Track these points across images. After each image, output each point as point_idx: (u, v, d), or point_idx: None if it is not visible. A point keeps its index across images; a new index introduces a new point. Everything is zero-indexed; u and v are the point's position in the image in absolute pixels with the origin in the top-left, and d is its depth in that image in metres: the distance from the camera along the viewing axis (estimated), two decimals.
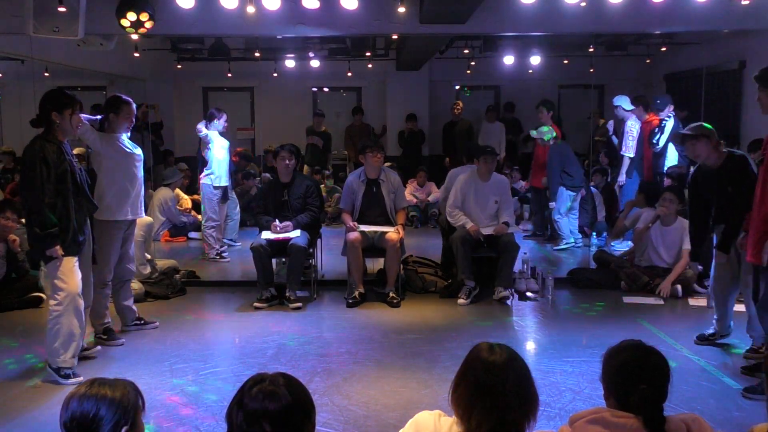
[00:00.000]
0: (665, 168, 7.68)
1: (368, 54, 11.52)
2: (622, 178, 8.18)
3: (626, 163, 8.12)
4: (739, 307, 5.03)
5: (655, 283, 6.34)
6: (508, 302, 6.15)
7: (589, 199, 8.61)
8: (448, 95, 12.77)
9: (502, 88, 13.05)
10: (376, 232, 6.30)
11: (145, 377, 4.36)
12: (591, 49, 9.32)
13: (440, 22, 6.60)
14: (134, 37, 7.02)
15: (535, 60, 10.47)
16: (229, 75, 11.58)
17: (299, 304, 6.02)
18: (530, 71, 11.34)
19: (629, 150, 8.04)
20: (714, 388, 4.22)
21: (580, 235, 8.47)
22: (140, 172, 5.21)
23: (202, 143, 7.94)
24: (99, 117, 5.21)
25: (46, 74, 8.77)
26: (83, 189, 4.45)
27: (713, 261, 4.84)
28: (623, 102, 8.35)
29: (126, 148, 5.12)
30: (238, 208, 8.73)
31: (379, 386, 4.26)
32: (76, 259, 4.37)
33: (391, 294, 6.18)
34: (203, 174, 7.87)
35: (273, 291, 6.18)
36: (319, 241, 6.68)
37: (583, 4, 6.21)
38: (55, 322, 4.30)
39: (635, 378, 2.09)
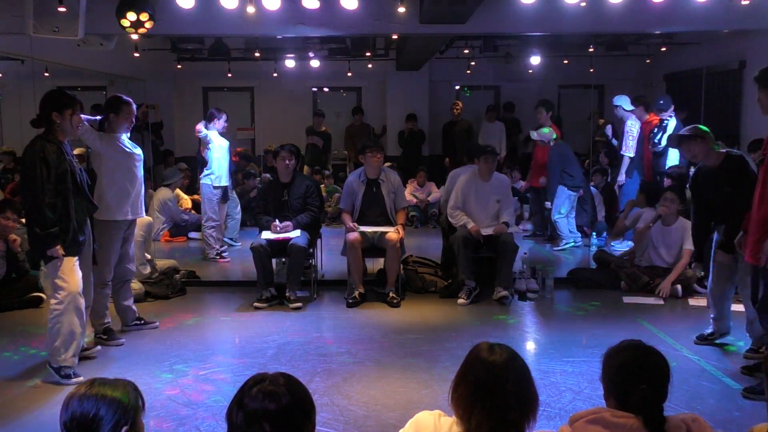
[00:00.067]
0: (666, 168, 7.68)
1: (368, 54, 11.51)
2: (621, 177, 8.18)
3: (626, 162, 8.12)
4: (739, 307, 5.04)
5: (655, 283, 6.34)
6: (508, 302, 6.15)
7: (589, 199, 8.62)
8: (448, 95, 12.77)
9: (502, 88, 13.05)
10: (376, 232, 6.30)
11: (145, 377, 4.36)
12: (591, 49, 9.32)
13: (440, 22, 6.60)
14: (134, 37, 7.01)
15: (535, 60, 10.47)
16: (229, 75, 11.58)
17: (299, 304, 6.02)
18: (530, 71, 11.34)
19: (629, 150, 8.05)
20: (714, 388, 4.22)
21: (579, 235, 8.47)
22: (140, 172, 5.21)
23: (202, 143, 7.95)
24: (99, 117, 5.21)
25: (46, 74, 8.77)
26: (83, 189, 4.45)
27: (711, 260, 4.84)
28: (623, 102, 8.36)
29: (126, 148, 5.12)
30: (239, 207, 8.73)
31: (379, 386, 4.26)
32: (76, 258, 4.37)
33: (391, 294, 6.18)
34: (203, 174, 7.87)
35: (273, 291, 6.18)
36: (319, 241, 6.68)
37: (583, 4, 6.21)
38: (55, 321, 4.29)
39: (635, 378, 2.09)
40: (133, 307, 5.43)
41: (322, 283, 6.74)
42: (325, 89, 13.37)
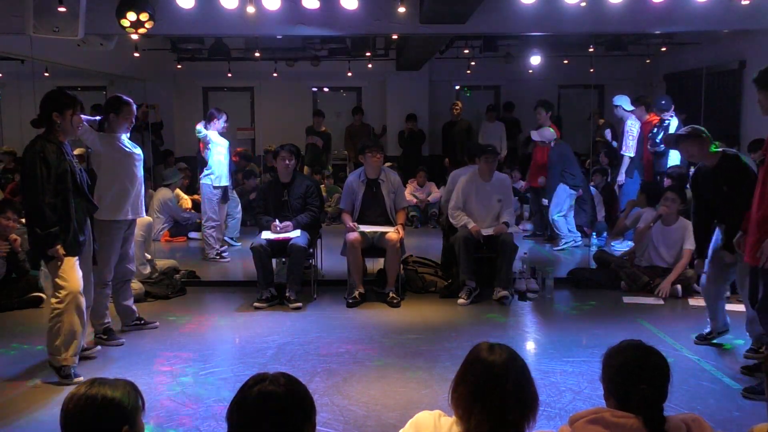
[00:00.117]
0: (667, 168, 7.68)
1: (368, 54, 11.52)
2: (621, 177, 8.19)
3: (626, 162, 8.13)
4: (740, 307, 5.04)
5: (655, 283, 6.34)
6: (508, 302, 6.15)
7: (589, 199, 8.62)
8: (448, 95, 12.78)
9: (502, 88, 13.06)
10: (376, 232, 6.30)
11: (145, 377, 4.36)
12: (591, 49, 9.32)
13: (440, 22, 6.60)
14: (134, 37, 7.01)
15: (535, 60, 10.47)
16: (229, 75, 11.60)
17: (299, 304, 6.02)
18: (530, 71, 11.35)
19: (629, 150, 8.05)
20: (714, 388, 4.22)
21: (579, 234, 8.48)
22: (140, 172, 5.21)
23: (202, 143, 7.95)
24: (98, 117, 5.21)
25: (46, 74, 8.77)
26: (83, 189, 4.45)
27: (709, 259, 4.84)
28: (623, 102, 8.36)
29: (126, 148, 5.12)
30: (239, 206, 8.74)
31: (379, 386, 4.26)
32: (76, 258, 4.38)
33: (391, 294, 6.18)
34: (203, 174, 7.87)
35: (273, 291, 6.18)
36: (319, 241, 6.68)
37: (583, 4, 6.21)
38: (56, 320, 4.29)
39: (635, 378, 2.09)
40: (133, 307, 5.43)
41: (322, 283, 6.74)
42: (325, 89, 13.37)
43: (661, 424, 2.01)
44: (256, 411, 1.74)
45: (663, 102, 7.90)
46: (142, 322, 5.43)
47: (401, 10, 6.23)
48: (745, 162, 4.57)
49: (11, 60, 8.84)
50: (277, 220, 6.25)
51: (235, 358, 4.95)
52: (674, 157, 7.64)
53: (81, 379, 4.20)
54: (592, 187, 8.85)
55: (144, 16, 6.05)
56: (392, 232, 6.18)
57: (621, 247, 7.83)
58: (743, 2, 6.08)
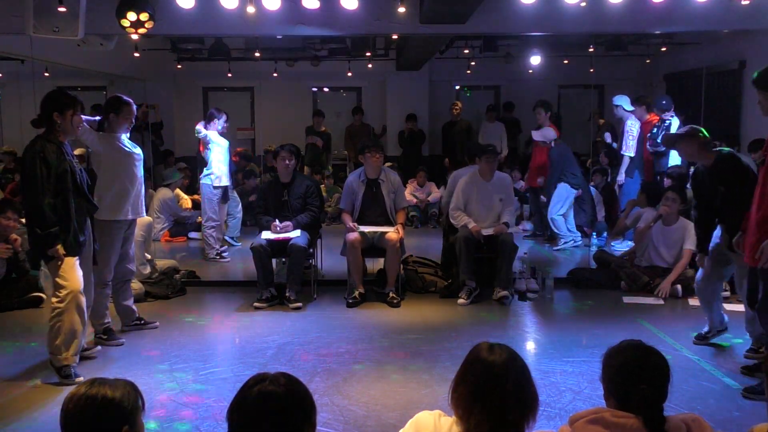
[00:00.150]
0: (667, 168, 7.68)
1: (368, 54, 11.52)
2: (621, 177, 8.19)
3: (626, 162, 8.12)
4: (739, 307, 5.04)
5: (655, 283, 6.34)
6: (508, 302, 6.15)
7: (588, 199, 8.62)
8: (448, 95, 12.78)
9: (502, 88, 13.06)
10: (376, 232, 6.30)
11: (145, 377, 4.36)
12: (591, 49, 9.33)
13: (440, 22, 6.60)
14: (134, 37, 7.01)
15: (535, 60, 10.47)
16: (229, 75, 11.60)
17: (299, 304, 6.02)
18: (530, 71, 11.35)
19: (629, 149, 8.05)
20: (714, 388, 4.22)
21: (579, 234, 8.48)
22: (140, 172, 5.21)
23: (202, 143, 7.95)
24: (98, 118, 5.21)
25: (46, 74, 8.78)
26: (83, 189, 4.45)
27: (708, 257, 4.84)
28: (623, 102, 8.36)
29: (126, 148, 5.12)
30: (240, 206, 8.74)
31: (379, 386, 4.26)
32: (76, 257, 4.37)
33: (391, 294, 6.18)
34: (203, 174, 7.87)
35: (273, 291, 6.18)
36: (319, 241, 6.68)
37: (583, 4, 6.21)
38: (57, 320, 4.29)
39: (635, 378, 2.09)
40: (133, 307, 5.43)
41: (322, 283, 6.74)
42: (325, 89, 13.37)
43: (661, 424, 2.01)
44: (256, 411, 1.74)
45: (664, 102, 7.90)
46: (142, 322, 5.43)
47: (401, 10, 6.23)
48: (743, 161, 4.57)
49: (11, 60, 8.85)
50: (277, 220, 6.25)
51: (235, 358, 4.95)
52: (675, 157, 7.64)
53: (81, 379, 4.20)
54: (592, 187, 8.85)
55: (144, 16, 6.05)
56: (392, 232, 6.18)
57: (621, 247, 7.83)
58: (743, 2, 6.09)
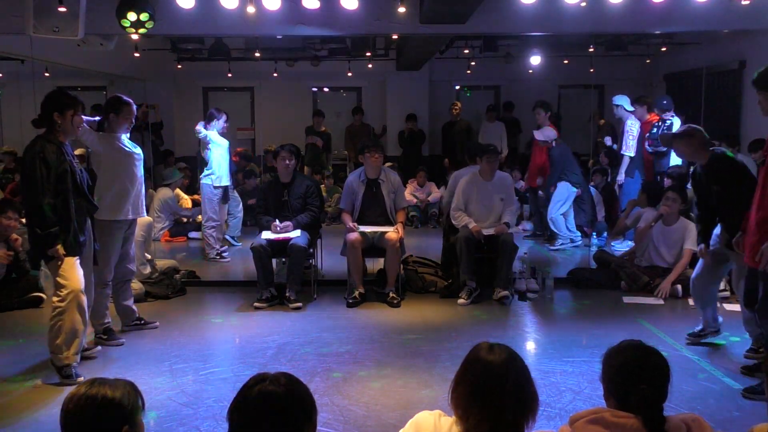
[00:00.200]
0: (667, 167, 7.68)
1: (368, 54, 11.52)
2: (621, 177, 8.19)
3: (626, 162, 8.12)
4: (739, 307, 5.03)
5: (655, 283, 6.34)
6: (508, 302, 6.15)
7: (588, 199, 8.62)
8: (448, 95, 12.79)
9: (502, 88, 13.06)
10: (376, 232, 6.30)
11: (145, 377, 4.36)
12: (591, 49, 9.33)
13: (440, 22, 6.60)
14: (134, 37, 7.02)
15: (535, 60, 10.47)
16: (229, 75, 11.60)
17: (299, 304, 6.02)
18: (530, 71, 11.35)
19: (629, 149, 8.05)
20: (714, 388, 4.22)
21: (579, 234, 8.48)
22: (140, 172, 5.21)
23: (202, 144, 7.95)
24: (97, 118, 5.21)
25: (46, 74, 8.78)
26: (83, 189, 4.45)
27: (700, 259, 4.86)
28: (624, 102, 8.36)
29: (126, 148, 5.12)
30: (240, 205, 8.75)
31: (379, 386, 4.26)
32: (77, 257, 4.38)
33: (391, 294, 6.18)
34: (203, 174, 7.87)
35: (273, 291, 6.18)
36: (319, 241, 6.68)
37: (583, 4, 6.21)
38: (58, 319, 4.29)
39: (635, 378, 2.09)
40: (134, 307, 5.43)
41: (322, 283, 6.74)
42: (325, 89, 13.37)
43: (660, 424, 2.01)
44: (256, 411, 1.74)
45: (665, 102, 7.91)
46: (142, 322, 5.43)
47: (401, 10, 6.23)
48: (737, 161, 4.58)
49: (11, 60, 8.85)
50: (277, 220, 6.25)
51: (235, 358, 4.95)
52: (675, 157, 7.64)
53: (82, 379, 4.20)
54: (592, 187, 8.85)
55: (144, 16, 6.05)
56: (392, 232, 6.18)
57: (621, 247, 7.83)
58: (743, 2, 6.09)
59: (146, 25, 6.11)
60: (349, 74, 11.68)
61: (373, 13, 6.56)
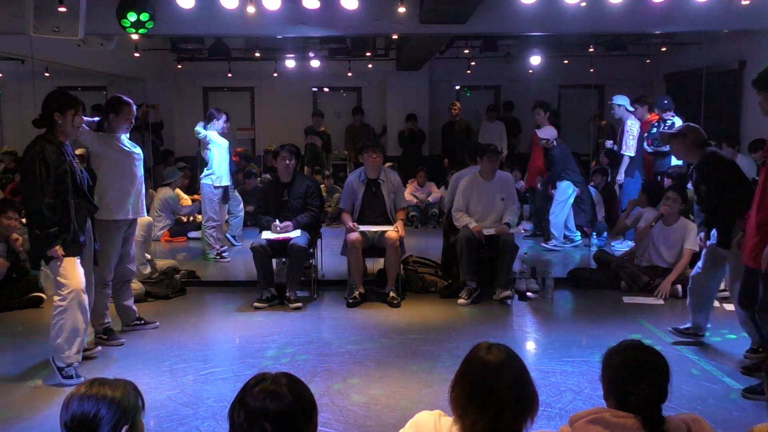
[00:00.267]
0: (668, 167, 7.68)
1: (368, 54, 11.53)
2: (620, 176, 8.19)
3: (626, 162, 8.12)
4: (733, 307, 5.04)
5: (655, 283, 6.34)
6: (509, 302, 6.15)
7: (588, 199, 8.62)
8: (448, 95, 12.79)
9: (502, 89, 13.06)
10: (376, 232, 6.30)
11: (145, 377, 4.36)
12: (591, 49, 9.33)
13: (440, 22, 6.60)
14: (134, 37, 7.02)
15: (535, 60, 10.47)
16: (229, 75, 11.59)
17: (299, 304, 6.03)
18: (530, 71, 11.35)
19: (629, 149, 8.05)
20: (714, 388, 4.22)
21: (578, 233, 8.47)
22: (140, 172, 5.21)
23: (202, 144, 7.95)
24: (97, 118, 5.21)
25: (46, 74, 8.78)
26: (83, 190, 4.45)
27: (704, 253, 4.85)
28: (624, 102, 8.36)
29: (125, 148, 5.12)
30: (241, 205, 8.75)
31: (379, 386, 4.26)
32: (77, 257, 4.38)
33: (391, 294, 6.18)
34: (204, 174, 7.87)
35: (273, 291, 6.18)
36: (319, 241, 6.68)
37: (583, 4, 6.22)
38: (59, 318, 4.29)
39: (635, 378, 2.09)
40: (134, 307, 5.43)
41: (322, 283, 6.74)
42: (325, 89, 13.37)
43: (660, 424, 2.01)
44: (257, 411, 1.74)
45: (665, 102, 7.91)
46: (142, 322, 5.43)
47: (401, 10, 6.23)
48: (725, 161, 4.59)
49: (11, 60, 8.85)
50: (277, 220, 6.25)
51: (235, 358, 4.95)
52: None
53: (82, 379, 4.20)
54: (591, 188, 8.85)
55: (144, 16, 6.06)
56: (392, 231, 6.18)
57: (621, 247, 7.82)
58: (743, 2, 6.09)
59: (146, 25, 6.12)
60: (349, 74, 11.68)
61: (373, 13, 6.56)
